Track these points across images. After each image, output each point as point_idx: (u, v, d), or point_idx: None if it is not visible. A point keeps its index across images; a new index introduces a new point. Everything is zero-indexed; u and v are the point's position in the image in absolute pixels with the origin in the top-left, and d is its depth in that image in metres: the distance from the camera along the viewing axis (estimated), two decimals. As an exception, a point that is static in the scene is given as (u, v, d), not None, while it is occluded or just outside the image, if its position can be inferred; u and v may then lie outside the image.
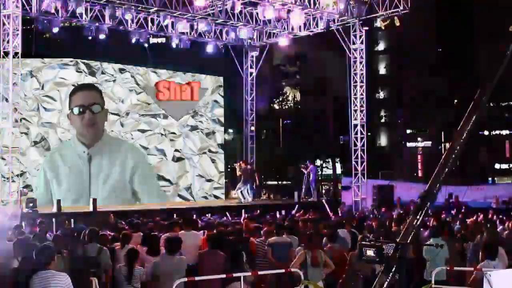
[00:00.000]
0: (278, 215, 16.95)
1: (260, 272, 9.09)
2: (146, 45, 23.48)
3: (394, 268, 4.10)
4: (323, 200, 22.85)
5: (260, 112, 32.11)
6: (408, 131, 57.53)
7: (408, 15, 22.44)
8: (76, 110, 22.37)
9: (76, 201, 21.02)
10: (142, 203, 22.77)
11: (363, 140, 23.89)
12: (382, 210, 19.79)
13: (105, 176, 22.61)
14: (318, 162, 46.41)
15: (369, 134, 28.00)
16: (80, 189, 21.80)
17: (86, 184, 22.14)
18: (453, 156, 4.40)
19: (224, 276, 8.32)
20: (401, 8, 21.93)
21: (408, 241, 4.21)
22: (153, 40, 28.72)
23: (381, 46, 57.78)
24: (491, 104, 49.47)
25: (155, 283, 8.30)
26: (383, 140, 58.56)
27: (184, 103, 25.18)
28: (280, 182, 45.59)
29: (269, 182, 43.55)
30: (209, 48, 24.90)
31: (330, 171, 49.66)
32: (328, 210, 19.95)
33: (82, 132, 22.45)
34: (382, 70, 58.47)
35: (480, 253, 8.88)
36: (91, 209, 18.43)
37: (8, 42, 18.34)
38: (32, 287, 6.12)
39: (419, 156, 56.14)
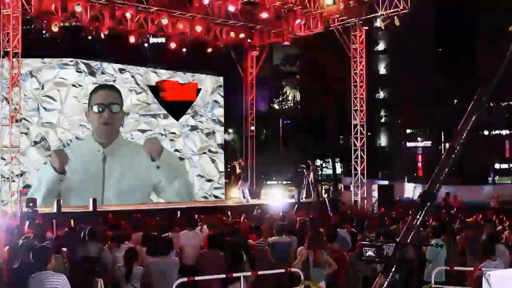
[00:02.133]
0: (278, 215, 16.91)
1: (260, 272, 9.08)
2: (146, 45, 23.51)
3: (394, 268, 4.09)
4: (326, 199, 22.83)
5: (260, 112, 32.11)
6: (408, 131, 57.56)
7: (408, 15, 22.45)
8: (95, 108, 22.49)
9: (87, 201, 20.63)
10: (147, 203, 22.76)
11: (363, 140, 23.88)
12: (382, 210, 19.79)
13: (118, 176, 22.59)
14: (318, 162, 46.39)
15: (369, 134, 27.96)
16: (93, 188, 21.53)
17: (99, 184, 22.11)
18: (453, 156, 4.38)
19: (224, 276, 8.31)
20: (401, 8, 21.93)
21: (408, 241, 4.20)
22: (153, 40, 28.73)
23: (381, 46, 57.76)
24: (491, 104, 49.44)
25: (149, 283, 8.28)
26: (383, 140, 58.56)
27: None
28: (280, 182, 45.58)
29: (269, 182, 43.49)
30: (209, 48, 24.90)
31: (330, 171, 49.63)
32: (329, 209, 19.93)
33: (99, 131, 22.52)
34: (382, 70, 58.47)
35: (480, 252, 8.83)
36: (91, 209, 18.43)
37: (8, 42, 18.33)
38: (30, 288, 6.12)
39: (419, 156, 56.18)
